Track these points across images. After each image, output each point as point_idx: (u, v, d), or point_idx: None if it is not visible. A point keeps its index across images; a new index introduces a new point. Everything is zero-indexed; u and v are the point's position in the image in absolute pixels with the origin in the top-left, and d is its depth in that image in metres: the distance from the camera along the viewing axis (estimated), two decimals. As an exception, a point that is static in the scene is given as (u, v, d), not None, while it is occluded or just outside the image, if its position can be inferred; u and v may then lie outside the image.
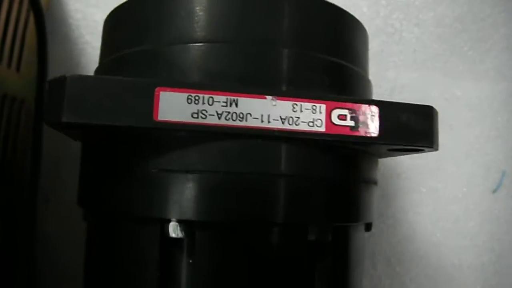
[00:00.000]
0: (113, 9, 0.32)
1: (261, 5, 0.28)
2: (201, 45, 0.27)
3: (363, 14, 0.51)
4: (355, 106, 0.27)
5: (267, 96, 0.25)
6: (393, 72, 0.50)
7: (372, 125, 0.27)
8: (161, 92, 0.24)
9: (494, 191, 0.50)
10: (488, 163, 0.51)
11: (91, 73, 0.33)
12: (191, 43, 0.27)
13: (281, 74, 0.27)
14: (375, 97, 0.47)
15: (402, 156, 0.43)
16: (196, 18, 0.27)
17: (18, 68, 0.42)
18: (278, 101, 0.26)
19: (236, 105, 0.25)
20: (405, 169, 0.49)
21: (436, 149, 0.30)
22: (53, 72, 0.40)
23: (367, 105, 0.27)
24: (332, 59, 0.29)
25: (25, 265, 0.40)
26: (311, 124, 0.26)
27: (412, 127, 0.28)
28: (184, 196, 0.26)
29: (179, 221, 0.26)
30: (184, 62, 0.27)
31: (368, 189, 0.31)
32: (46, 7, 0.47)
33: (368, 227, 0.33)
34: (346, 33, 0.31)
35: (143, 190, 0.27)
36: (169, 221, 0.26)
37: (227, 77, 0.26)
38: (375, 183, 0.32)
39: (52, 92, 0.25)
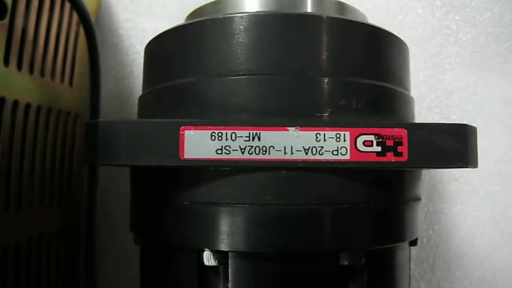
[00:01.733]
0: (150, 40, 0.33)
1: (279, 35, 0.28)
2: (222, 79, 0.27)
3: (418, 15, 0.50)
4: (381, 130, 0.26)
5: (289, 128, 0.25)
6: (450, 75, 0.49)
7: (400, 150, 0.26)
8: (185, 131, 0.25)
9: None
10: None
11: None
12: (215, 77, 0.28)
13: (306, 103, 0.27)
14: (432, 101, 0.47)
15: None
16: (215, 54, 0.28)
17: (71, 83, 0.44)
18: (300, 131, 0.25)
19: (259, 138, 0.25)
20: (464, 172, 0.48)
21: (475, 167, 0.29)
22: (106, 83, 0.41)
23: (394, 129, 0.26)
24: (363, 81, 0.29)
25: (85, 276, 0.42)
26: (335, 152, 0.26)
27: (443, 148, 0.27)
28: (215, 228, 0.26)
29: (212, 251, 0.26)
30: (208, 97, 0.27)
31: (407, 208, 0.30)
32: (95, 17, 0.49)
33: (412, 242, 0.32)
34: (380, 52, 0.30)
35: (178, 221, 0.27)
36: (203, 250, 0.27)
37: (250, 110, 0.27)
38: (415, 199, 0.31)
39: (88, 135, 0.26)
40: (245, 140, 0.25)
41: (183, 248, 0.28)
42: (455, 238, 0.48)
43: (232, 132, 0.25)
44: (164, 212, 0.28)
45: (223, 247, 0.26)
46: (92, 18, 0.39)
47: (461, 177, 0.48)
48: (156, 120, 0.26)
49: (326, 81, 0.27)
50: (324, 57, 0.28)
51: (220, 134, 0.25)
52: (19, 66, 0.36)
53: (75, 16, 0.42)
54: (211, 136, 0.25)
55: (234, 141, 0.25)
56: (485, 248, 0.47)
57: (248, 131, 0.25)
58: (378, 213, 0.28)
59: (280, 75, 0.27)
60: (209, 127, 0.25)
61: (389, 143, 0.26)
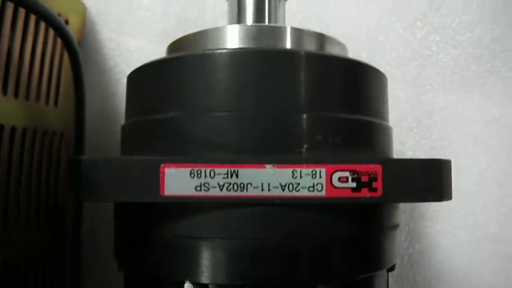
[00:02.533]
0: (132, 70, 0.34)
1: (256, 72, 0.29)
2: (201, 116, 0.28)
3: (399, 36, 0.51)
4: (357, 167, 0.27)
5: (266, 165, 0.26)
6: (431, 95, 0.50)
7: (374, 185, 0.27)
8: (165, 169, 0.26)
9: (537, 211, 0.49)
10: (530, 184, 0.50)
11: None
12: (194, 113, 0.29)
13: (282, 139, 0.28)
14: (413, 121, 0.48)
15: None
16: (195, 90, 0.29)
17: (56, 103, 0.45)
18: (277, 169, 0.26)
19: (237, 176, 0.26)
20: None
21: (449, 199, 0.30)
22: (91, 102, 0.42)
23: (369, 165, 0.27)
24: (341, 116, 0.30)
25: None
26: (311, 189, 0.27)
27: (417, 184, 0.28)
28: (195, 261, 0.27)
29: (193, 283, 0.28)
30: (188, 133, 0.28)
31: (385, 237, 0.31)
32: (79, 36, 0.50)
33: (390, 268, 0.33)
34: (357, 86, 0.32)
35: (159, 253, 0.29)
36: (184, 282, 0.28)
37: (228, 146, 0.28)
38: (393, 227, 0.33)
39: (71, 172, 0.27)
40: (223, 178, 0.26)
41: (165, 279, 0.28)
42: (436, 256, 0.49)
43: (211, 170, 0.26)
44: (146, 244, 0.29)
45: (204, 279, 0.27)
46: (76, 42, 0.39)
47: (442, 196, 0.49)
48: (137, 158, 0.27)
49: (303, 117, 0.28)
50: (301, 93, 0.29)
51: (199, 172, 0.26)
52: (4, 90, 0.37)
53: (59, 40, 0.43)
54: (190, 173, 0.26)
55: (213, 178, 0.26)
56: (465, 267, 0.49)
57: (226, 169, 0.26)
58: (355, 245, 0.29)
59: (257, 112, 0.28)
60: (188, 164, 0.26)
61: (364, 179, 0.27)
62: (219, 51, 0.29)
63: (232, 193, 0.26)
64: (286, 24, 0.38)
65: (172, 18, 0.52)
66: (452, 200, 0.48)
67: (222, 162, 0.26)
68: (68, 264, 0.43)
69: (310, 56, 0.30)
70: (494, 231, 0.50)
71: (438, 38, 0.51)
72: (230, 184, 0.26)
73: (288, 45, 0.32)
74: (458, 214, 0.49)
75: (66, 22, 0.47)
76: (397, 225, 0.33)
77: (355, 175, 0.27)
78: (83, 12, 0.52)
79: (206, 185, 0.26)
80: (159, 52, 0.49)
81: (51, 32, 0.43)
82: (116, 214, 0.33)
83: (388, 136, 0.34)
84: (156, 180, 0.26)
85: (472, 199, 0.50)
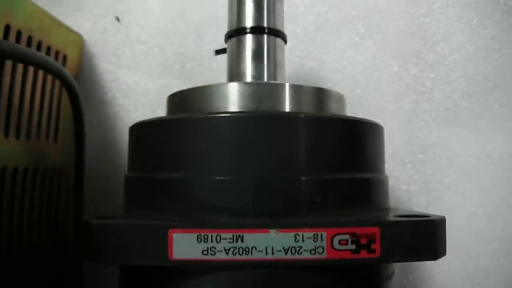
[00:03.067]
0: (135, 124, 0.35)
1: (257, 136, 0.30)
2: (205, 179, 0.30)
3: (394, 73, 0.53)
4: (356, 229, 0.29)
5: (270, 230, 0.28)
6: (424, 130, 0.52)
7: (373, 247, 0.29)
8: (173, 234, 0.28)
9: (526, 246, 0.51)
10: (519, 218, 0.52)
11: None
12: (199, 176, 0.30)
13: (285, 203, 0.29)
14: (407, 156, 0.50)
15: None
16: (199, 153, 0.30)
17: (55, 139, 0.46)
18: (280, 233, 0.28)
19: (242, 240, 0.28)
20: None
21: (443, 255, 0.32)
22: (89, 135, 0.43)
23: (368, 228, 0.29)
24: (340, 176, 0.31)
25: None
26: (313, 251, 0.28)
27: (414, 244, 0.29)
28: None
29: None
30: (193, 195, 0.30)
31: (383, 286, 0.33)
32: (77, 69, 0.51)
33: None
34: (355, 144, 0.33)
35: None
36: None
37: (233, 210, 0.29)
38: (389, 276, 0.34)
39: (77, 234, 0.28)
40: (229, 242, 0.28)
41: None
42: (427, 289, 0.51)
43: (217, 235, 0.28)
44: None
45: None
46: (76, 86, 0.39)
47: (434, 229, 0.51)
48: (145, 223, 0.28)
49: (303, 180, 0.30)
50: (301, 157, 0.30)
51: (205, 237, 0.28)
52: (6, 133, 0.38)
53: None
54: (197, 238, 0.27)
55: (219, 243, 0.28)
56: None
57: (232, 234, 0.28)
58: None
59: (259, 175, 0.29)
60: (195, 229, 0.27)
61: (363, 241, 0.29)
62: (221, 115, 0.31)
63: (237, 257, 0.28)
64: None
65: (169, 52, 0.53)
66: (447, 232, 0.50)
67: (227, 227, 0.28)
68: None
69: (308, 119, 0.31)
70: (484, 264, 0.51)
71: (432, 75, 0.52)
72: (235, 248, 0.28)
73: (287, 104, 0.34)
74: (450, 247, 0.51)
75: (65, 57, 0.48)
76: (393, 272, 0.35)
77: (355, 238, 0.29)
78: (81, 44, 0.53)
79: (213, 249, 0.28)
80: (157, 85, 0.50)
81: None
82: (122, 277, 0.34)
83: (384, 186, 0.35)
84: (164, 244, 0.27)
85: (464, 233, 0.51)
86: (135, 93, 0.53)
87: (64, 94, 0.46)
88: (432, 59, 0.53)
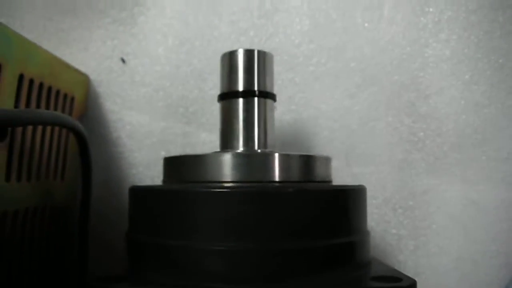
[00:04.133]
0: (135, 187, 0.40)
1: (240, 212, 0.34)
2: (197, 248, 0.34)
3: (388, 123, 0.57)
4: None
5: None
6: (415, 178, 0.56)
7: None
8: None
9: (507, 288, 0.56)
10: (502, 263, 0.56)
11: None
12: (191, 245, 0.34)
13: (269, 273, 0.33)
14: (397, 202, 0.55)
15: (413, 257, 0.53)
16: (191, 223, 0.34)
17: (62, 177, 0.49)
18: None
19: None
20: (424, 269, 0.56)
21: None
22: (94, 173, 0.46)
23: None
24: (323, 243, 0.35)
25: None
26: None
27: None
28: None
29: None
30: (185, 262, 0.34)
31: None
32: (83, 108, 0.55)
33: None
34: (338, 211, 0.37)
35: None
36: None
37: (222, 277, 0.33)
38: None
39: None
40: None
41: None
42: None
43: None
44: None
45: None
46: (87, 138, 0.43)
47: (422, 273, 0.55)
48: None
49: (287, 250, 0.34)
50: (286, 228, 0.34)
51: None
52: (19, 178, 0.41)
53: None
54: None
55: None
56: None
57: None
58: None
59: (246, 245, 0.33)
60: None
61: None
62: (214, 190, 0.35)
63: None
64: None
65: (173, 95, 0.57)
66: (433, 276, 0.54)
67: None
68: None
69: (292, 194, 0.35)
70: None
71: (424, 126, 0.56)
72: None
73: (277, 174, 0.38)
74: (437, 289, 0.55)
75: (72, 98, 0.51)
76: None
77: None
78: (87, 83, 0.57)
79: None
80: (160, 127, 0.54)
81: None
82: None
83: (366, 243, 0.39)
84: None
85: (449, 275, 0.56)
86: (139, 134, 0.57)
87: (71, 135, 0.49)
88: (425, 111, 0.57)
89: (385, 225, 0.56)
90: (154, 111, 0.57)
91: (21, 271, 0.42)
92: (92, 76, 0.57)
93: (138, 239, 0.38)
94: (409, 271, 0.55)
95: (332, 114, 0.57)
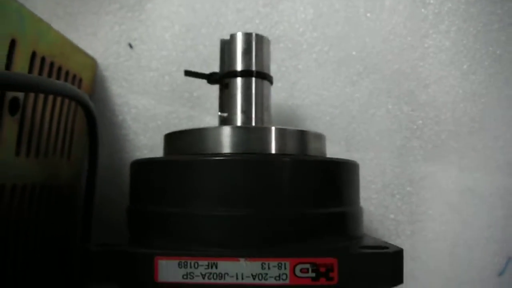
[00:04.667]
0: (136, 161, 0.42)
1: (234, 178, 0.36)
2: (188, 216, 0.36)
3: (388, 110, 0.59)
4: (316, 260, 0.34)
5: (240, 259, 0.34)
6: (413, 165, 0.58)
7: (331, 275, 0.35)
8: (159, 260, 0.34)
9: (500, 274, 0.57)
10: (496, 250, 0.58)
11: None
12: (184, 212, 0.37)
13: (255, 236, 0.36)
14: (396, 188, 0.57)
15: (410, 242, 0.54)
16: (184, 191, 0.37)
17: (69, 156, 0.51)
18: (249, 262, 0.34)
19: (216, 267, 0.34)
20: (420, 253, 0.58)
21: (400, 283, 0.36)
22: (101, 158, 0.48)
23: (326, 258, 0.35)
24: (313, 211, 0.37)
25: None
26: (277, 278, 0.34)
27: (370, 273, 0.35)
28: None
29: None
30: (177, 229, 0.37)
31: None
32: (90, 89, 0.57)
33: None
34: (330, 182, 0.39)
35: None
36: None
37: (210, 242, 0.36)
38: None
39: (81, 258, 0.36)
40: (205, 268, 0.34)
41: None
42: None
43: (195, 262, 0.34)
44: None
45: None
46: (96, 115, 0.45)
47: (417, 257, 0.57)
48: (136, 251, 0.35)
49: (281, 216, 0.36)
50: (277, 196, 0.36)
51: (185, 263, 0.34)
52: (28, 153, 0.43)
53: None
54: (179, 264, 0.34)
55: (197, 269, 0.34)
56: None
57: (207, 261, 0.34)
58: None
59: (235, 213, 0.36)
60: (177, 257, 0.34)
61: (322, 270, 0.34)
62: (211, 158, 0.37)
63: (212, 281, 0.34)
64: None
65: (179, 80, 0.60)
66: (429, 260, 0.56)
67: (204, 255, 0.34)
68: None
69: (286, 162, 0.37)
70: (464, 293, 0.57)
71: (423, 114, 0.59)
72: (210, 273, 0.34)
73: (273, 146, 0.40)
74: (432, 274, 0.57)
75: (80, 80, 0.53)
76: None
77: (314, 267, 0.34)
78: (94, 67, 0.59)
79: (191, 274, 0.34)
80: (165, 111, 0.56)
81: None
82: None
83: (357, 218, 0.41)
84: (151, 269, 0.34)
85: (445, 261, 0.58)
86: (144, 117, 0.59)
87: (79, 112, 0.51)
88: (424, 99, 0.59)
89: (384, 210, 0.58)
90: (160, 95, 0.60)
91: (25, 247, 0.44)
92: (100, 60, 0.60)
93: (138, 209, 0.40)
94: (406, 255, 0.57)
95: (333, 101, 0.59)
